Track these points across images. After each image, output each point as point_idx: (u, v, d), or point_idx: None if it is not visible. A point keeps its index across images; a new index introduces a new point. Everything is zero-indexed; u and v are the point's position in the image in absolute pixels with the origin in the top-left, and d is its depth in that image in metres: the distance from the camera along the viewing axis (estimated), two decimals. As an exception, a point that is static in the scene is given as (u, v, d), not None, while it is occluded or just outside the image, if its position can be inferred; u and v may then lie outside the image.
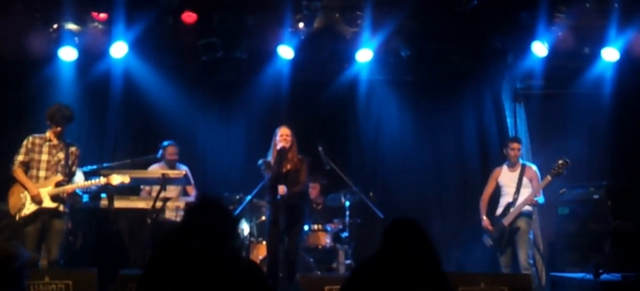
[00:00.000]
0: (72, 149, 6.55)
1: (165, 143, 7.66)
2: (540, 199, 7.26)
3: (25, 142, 6.40)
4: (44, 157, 6.40)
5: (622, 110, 8.61)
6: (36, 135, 6.45)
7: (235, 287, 3.10)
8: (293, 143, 6.71)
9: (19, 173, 6.33)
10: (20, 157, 6.36)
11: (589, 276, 6.53)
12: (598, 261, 6.75)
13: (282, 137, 6.67)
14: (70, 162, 6.49)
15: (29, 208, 6.25)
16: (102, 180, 6.47)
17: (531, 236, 7.39)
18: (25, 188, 6.28)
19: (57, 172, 6.40)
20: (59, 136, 6.44)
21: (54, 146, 6.44)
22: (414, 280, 3.31)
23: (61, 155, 6.45)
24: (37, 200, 6.24)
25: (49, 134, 6.44)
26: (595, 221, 7.68)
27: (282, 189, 6.50)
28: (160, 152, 7.64)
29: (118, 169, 6.79)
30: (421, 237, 3.42)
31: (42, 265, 6.42)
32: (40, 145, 6.41)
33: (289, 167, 6.69)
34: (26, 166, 6.36)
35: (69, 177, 6.49)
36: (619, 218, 7.26)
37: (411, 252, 3.36)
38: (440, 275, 3.40)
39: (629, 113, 8.60)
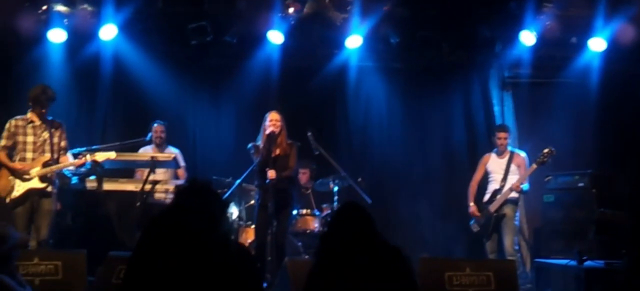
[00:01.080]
0: (56, 126, 6.54)
1: (154, 123, 7.69)
2: (525, 186, 7.34)
3: (7, 126, 6.41)
4: (30, 138, 6.41)
5: (609, 99, 8.71)
6: (18, 117, 6.46)
7: (224, 270, 3.14)
8: (282, 128, 6.74)
9: (1, 156, 6.33)
10: (3, 142, 6.38)
11: (573, 262, 6.63)
12: (582, 248, 6.84)
13: (272, 121, 6.70)
14: (56, 139, 6.48)
15: (18, 190, 6.28)
16: (88, 158, 6.48)
17: (517, 223, 7.48)
18: (10, 170, 6.29)
19: (44, 152, 6.41)
20: (41, 117, 6.43)
21: (38, 127, 6.44)
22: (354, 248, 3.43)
23: (46, 134, 6.45)
24: (25, 175, 6.23)
25: (30, 115, 6.44)
26: (579, 208, 7.77)
27: (272, 173, 6.54)
28: (150, 134, 7.65)
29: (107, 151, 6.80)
30: (365, 222, 3.53)
31: (31, 246, 6.43)
32: (24, 127, 6.41)
33: (278, 151, 6.73)
34: (10, 150, 6.36)
35: (58, 153, 6.49)
36: (603, 206, 7.35)
37: (355, 237, 3.46)
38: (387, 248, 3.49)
39: (615, 102, 8.70)
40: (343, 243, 3.46)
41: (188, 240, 3.12)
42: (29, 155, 6.39)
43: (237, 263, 3.22)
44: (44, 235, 6.37)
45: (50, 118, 6.54)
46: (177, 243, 3.11)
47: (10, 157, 6.42)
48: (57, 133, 6.54)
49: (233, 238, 7.44)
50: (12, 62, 8.24)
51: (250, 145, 6.84)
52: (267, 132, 6.65)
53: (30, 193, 6.30)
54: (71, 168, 6.65)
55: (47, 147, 6.43)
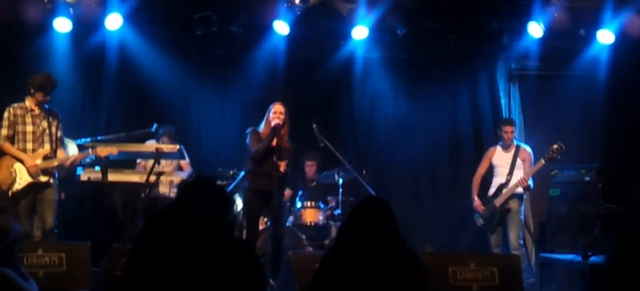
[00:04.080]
0: (53, 115, 6.50)
1: (161, 130, 7.62)
2: (529, 182, 7.29)
3: (6, 114, 6.32)
4: (29, 128, 6.34)
5: (617, 92, 8.63)
6: (15, 105, 6.37)
7: (226, 265, 3.13)
8: (286, 122, 6.72)
9: (7, 146, 6.28)
10: (4, 131, 6.29)
11: (578, 257, 6.60)
12: (587, 243, 6.81)
13: (276, 113, 6.67)
14: (54, 129, 6.45)
15: (20, 182, 6.24)
16: (91, 152, 6.46)
17: (522, 217, 7.44)
18: (20, 160, 6.25)
19: (43, 142, 6.38)
20: (40, 105, 6.38)
21: (36, 115, 6.38)
22: (374, 250, 3.39)
23: (44, 123, 6.40)
24: (34, 170, 6.23)
25: (29, 103, 6.37)
26: (585, 203, 7.73)
27: (283, 165, 6.53)
28: (155, 125, 7.62)
29: (113, 142, 6.79)
30: (387, 219, 3.50)
31: (35, 236, 6.44)
32: (23, 116, 6.34)
33: (279, 143, 6.71)
34: (11, 139, 6.31)
35: (55, 144, 6.46)
36: (609, 201, 7.30)
37: (375, 233, 3.43)
38: (403, 250, 3.47)
39: (623, 96, 8.62)
40: (361, 236, 3.43)
41: (189, 235, 3.11)
42: (29, 145, 6.34)
43: (240, 258, 3.21)
44: (50, 224, 6.36)
45: (47, 106, 6.49)
46: (178, 238, 3.11)
47: None
48: (55, 123, 6.48)
49: (237, 234, 7.46)
50: (17, 51, 8.22)
51: (249, 129, 6.81)
52: (272, 124, 6.63)
53: (32, 185, 6.28)
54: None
55: (46, 137, 6.40)
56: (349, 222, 3.59)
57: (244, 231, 6.78)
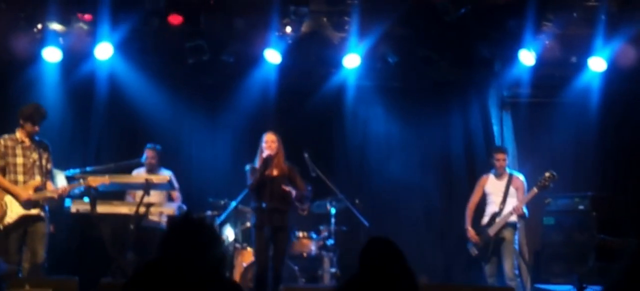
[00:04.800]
0: (43, 147, 6.43)
1: (147, 145, 7.60)
2: (524, 210, 7.25)
3: None
4: (20, 160, 6.25)
5: (609, 120, 8.64)
6: (6, 136, 6.28)
7: None
8: (279, 150, 6.66)
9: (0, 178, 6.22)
10: None
11: (573, 289, 6.54)
12: (582, 273, 6.76)
13: (267, 143, 6.62)
14: (44, 161, 6.38)
15: (12, 215, 6.13)
16: (82, 182, 6.38)
17: (516, 247, 7.38)
18: (12, 193, 6.15)
19: (34, 174, 6.30)
20: (31, 136, 6.31)
21: (27, 147, 6.29)
22: None
23: (35, 155, 6.32)
24: (28, 204, 6.14)
25: (19, 135, 6.29)
26: (580, 232, 7.71)
27: (286, 189, 6.46)
28: (145, 156, 7.57)
29: (102, 173, 6.71)
30: (397, 258, 3.41)
31: (24, 268, 6.32)
32: (13, 148, 6.25)
33: (275, 173, 6.64)
34: (2, 171, 6.22)
35: (45, 176, 6.38)
36: (604, 231, 7.26)
37: (387, 274, 3.35)
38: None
39: (615, 123, 8.63)
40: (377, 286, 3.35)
41: (176, 282, 3.03)
42: (20, 177, 6.24)
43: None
44: (40, 258, 6.24)
45: (37, 138, 6.42)
46: (165, 285, 3.03)
47: None
48: (45, 155, 6.41)
49: (227, 273, 7.34)
50: (6, 81, 8.19)
51: (248, 166, 6.75)
52: (264, 155, 6.57)
53: (23, 218, 6.18)
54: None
55: (37, 170, 6.32)
56: (360, 272, 3.49)
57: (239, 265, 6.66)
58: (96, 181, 6.36)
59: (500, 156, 7.49)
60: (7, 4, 7.59)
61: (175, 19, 7.75)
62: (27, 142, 6.31)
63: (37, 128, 6.29)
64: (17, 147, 6.27)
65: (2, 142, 6.26)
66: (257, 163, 6.70)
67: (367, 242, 3.54)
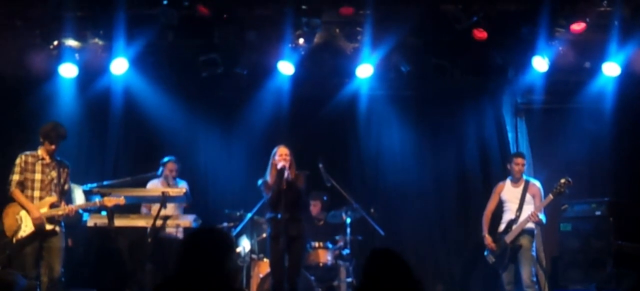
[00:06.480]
0: (63, 167, 6.51)
1: (165, 159, 7.65)
2: (542, 217, 7.21)
3: (18, 161, 6.33)
4: (38, 176, 6.34)
5: (624, 124, 8.59)
6: (28, 152, 6.38)
7: None
8: (292, 163, 6.68)
9: (17, 193, 6.27)
10: (15, 177, 6.29)
11: (591, 296, 6.50)
12: (600, 279, 6.70)
13: (281, 156, 6.63)
14: (62, 181, 6.45)
15: (25, 230, 6.21)
16: (97, 202, 6.44)
17: (534, 253, 7.34)
18: (26, 210, 6.23)
19: (51, 191, 6.36)
20: (51, 154, 6.39)
21: (47, 165, 6.39)
22: None
23: (54, 173, 6.41)
24: (39, 222, 6.20)
25: (41, 152, 6.38)
26: (597, 238, 7.65)
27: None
28: (161, 169, 7.61)
29: (118, 187, 6.76)
30: (399, 269, 3.42)
31: (42, 282, 6.38)
32: (33, 164, 6.35)
33: (289, 184, 6.66)
34: (21, 185, 6.31)
35: (62, 195, 6.45)
36: (621, 235, 7.21)
37: (390, 285, 3.35)
38: None
39: (630, 128, 8.58)
40: None
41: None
42: (36, 193, 6.32)
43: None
44: (57, 273, 6.31)
45: (58, 158, 6.50)
46: None
47: None
48: (64, 175, 6.50)
49: (243, 284, 7.36)
50: (23, 97, 8.28)
51: (260, 181, 6.77)
52: (278, 166, 6.58)
53: (37, 232, 6.25)
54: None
55: (54, 187, 6.39)
56: (363, 283, 3.50)
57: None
58: (111, 201, 6.40)
59: (519, 160, 7.47)
60: (23, 22, 7.70)
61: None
62: (48, 159, 6.40)
63: (53, 147, 6.36)
64: (37, 163, 6.37)
65: (24, 157, 6.36)
66: (268, 177, 6.71)
67: (370, 254, 3.56)
